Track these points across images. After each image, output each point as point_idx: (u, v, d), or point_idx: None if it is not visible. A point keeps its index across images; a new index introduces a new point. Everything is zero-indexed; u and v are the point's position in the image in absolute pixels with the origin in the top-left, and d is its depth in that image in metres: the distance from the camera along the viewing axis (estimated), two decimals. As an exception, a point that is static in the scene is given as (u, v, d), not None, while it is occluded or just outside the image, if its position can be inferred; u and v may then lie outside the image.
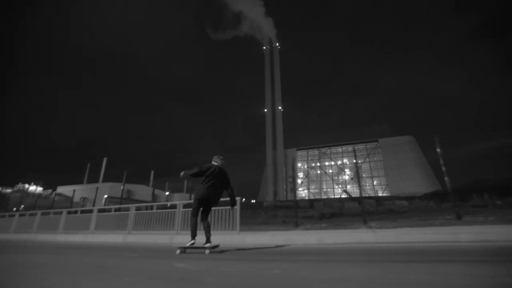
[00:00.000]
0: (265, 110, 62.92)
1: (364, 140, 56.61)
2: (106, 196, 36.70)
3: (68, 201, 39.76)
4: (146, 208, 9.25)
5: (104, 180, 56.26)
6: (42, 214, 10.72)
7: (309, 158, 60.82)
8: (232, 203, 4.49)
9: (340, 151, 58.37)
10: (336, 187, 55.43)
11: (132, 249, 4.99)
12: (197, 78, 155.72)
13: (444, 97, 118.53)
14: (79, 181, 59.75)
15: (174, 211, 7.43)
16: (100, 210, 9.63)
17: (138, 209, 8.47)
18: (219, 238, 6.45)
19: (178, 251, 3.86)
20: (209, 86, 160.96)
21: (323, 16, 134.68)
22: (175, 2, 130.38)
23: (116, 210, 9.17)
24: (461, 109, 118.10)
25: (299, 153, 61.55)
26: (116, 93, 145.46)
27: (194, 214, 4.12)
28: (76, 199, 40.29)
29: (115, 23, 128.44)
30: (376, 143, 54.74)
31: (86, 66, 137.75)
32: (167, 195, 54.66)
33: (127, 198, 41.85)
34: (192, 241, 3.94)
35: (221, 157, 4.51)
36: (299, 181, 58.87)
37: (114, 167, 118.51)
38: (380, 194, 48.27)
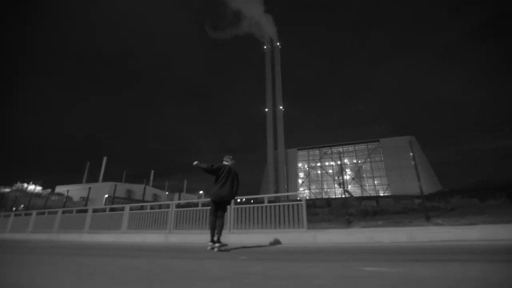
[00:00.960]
0: (266, 110, 62.53)
1: (365, 140, 56.78)
2: (106, 195, 35.48)
3: (69, 201, 38.31)
4: (189, 205, 8.64)
5: (104, 180, 54.62)
6: (63, 212, 9.97)
7: (310, 158, 60.63)
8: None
9: (341, 151, 58.37)
10: (337, 187, 55.35)
11: (196, 249, 4.39)
12: (197, 78, 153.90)
13: (444, 97, 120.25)
14: (78, 181, 57.87)
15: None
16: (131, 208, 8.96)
17: (177, 206, 7.89)
18: (282, 237, 5.91)
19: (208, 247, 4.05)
20: (209, 86, 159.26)
21: (323, 16, 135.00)
22: (174, 2, 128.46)
23: (151, 207, 8.52)
24: (461, 109, 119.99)
25: (300, 153, 61.25)
26: (115, 93, 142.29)
27: (212, 214, 4.22)
28: (76, 198, 38.90)
29: (114, 23, 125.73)
30: (377, 143, 54.96)
31: (86, 66, 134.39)
32: (167, 194, 53.51)
33: (128, 198, 40.66)
34: (210, 243, 4.04)
35: (231, 157, 4.64)
36: (300, 181, 58.62)
37: (114, 167, 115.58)
38: (381, 194, 48.46)
